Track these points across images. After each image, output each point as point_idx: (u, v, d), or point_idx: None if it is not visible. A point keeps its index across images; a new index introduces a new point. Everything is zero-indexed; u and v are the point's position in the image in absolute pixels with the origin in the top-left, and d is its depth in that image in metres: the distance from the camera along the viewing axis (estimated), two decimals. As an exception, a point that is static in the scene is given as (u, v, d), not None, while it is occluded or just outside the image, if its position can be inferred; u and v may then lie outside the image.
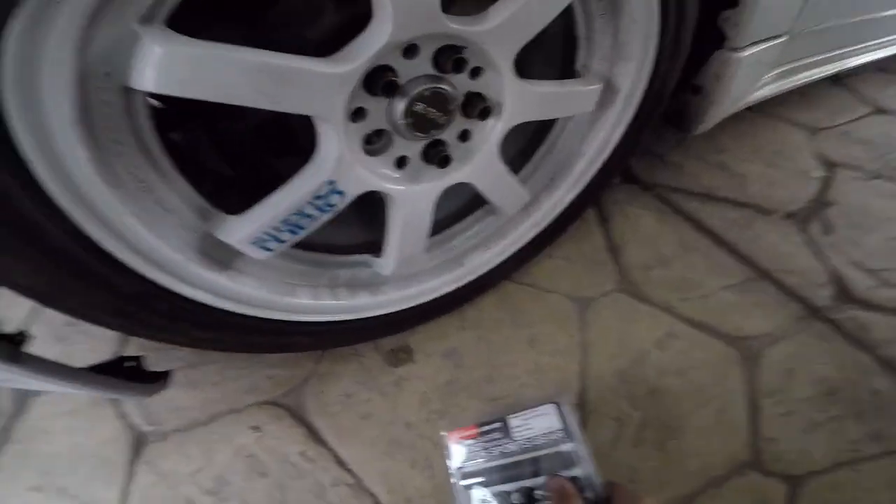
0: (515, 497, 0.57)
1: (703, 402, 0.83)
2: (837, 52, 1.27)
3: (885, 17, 1.31)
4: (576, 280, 0.99)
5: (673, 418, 0.81)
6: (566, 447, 0.60)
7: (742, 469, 0.77)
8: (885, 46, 1.53)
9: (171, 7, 0.41)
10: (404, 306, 0.79)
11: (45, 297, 0.47)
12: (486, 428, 0.65)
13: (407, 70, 0.54)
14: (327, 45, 0.50)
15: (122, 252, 0.47)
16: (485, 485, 0.59)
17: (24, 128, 0.37)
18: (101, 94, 0.41)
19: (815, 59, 1.18)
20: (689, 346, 0.90)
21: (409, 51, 0.53)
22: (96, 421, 0.81)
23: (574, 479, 0.56)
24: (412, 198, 0.65)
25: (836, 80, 1.66)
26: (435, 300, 0.83)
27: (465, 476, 0.60)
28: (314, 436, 0.79)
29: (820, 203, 1.19)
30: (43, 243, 0.43)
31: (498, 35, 0.56)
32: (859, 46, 1.37)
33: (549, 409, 0.63)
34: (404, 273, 0.76)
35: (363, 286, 0.74)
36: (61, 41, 0.36)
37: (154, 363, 0.66)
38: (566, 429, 0.62)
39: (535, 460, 0.60)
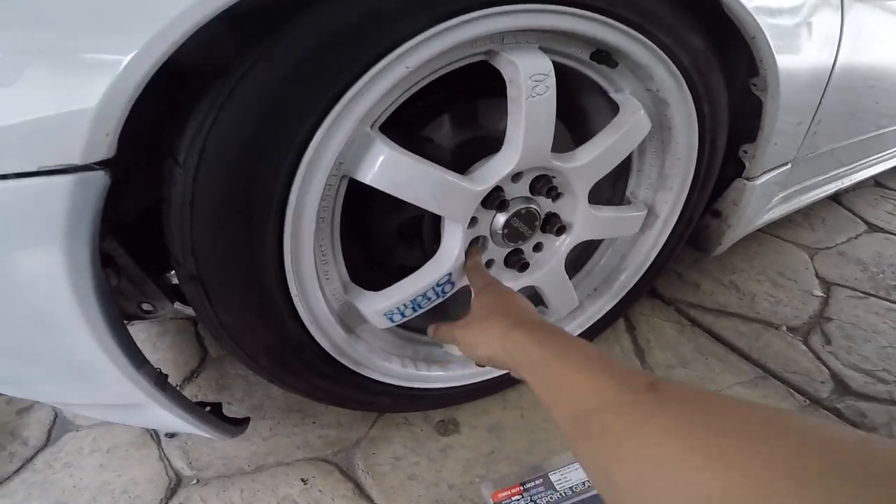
0: None
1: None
2: (835, 172, 1.50)
3: (878, 135, 1.55)
4: (608, 375, 1.17)
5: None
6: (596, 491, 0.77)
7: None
8: (879, 162, 1.82)
9: (384, 117, 0.62)
10: (465, 382, 0.95)
11: (232, 333, 0.64)
12: (530, 485, 0.83)
13: (511, 191, 0.75)
14: (456, 160, 0.73)
15: (301, 305, 0.65)
16: None
17: (294, 199, 0.57)
18: (330, 179, 0.60)
19: (815, 180, 1.41)
20: None
21: (517, 176, 0.75)
22: (134, 461, 0.89)
23: None
24: None
25: (835, 197, 1.98)
26: (488, 381, 0.98)
27: None
28: (360, 491, 0.87)
29: (820, 318, 1.42)
30: (260, 291, 0.61)
31: (585, 170, 0.78)
32: (855, 165, 1.61)
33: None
34: (469, 356, 0.93)
35: (436, 362, 0.91)
36: (343, 136, 0.57)
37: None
38: None
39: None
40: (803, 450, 0.28)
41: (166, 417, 0.65)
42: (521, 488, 0.87)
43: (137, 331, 1.14)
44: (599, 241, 1.02)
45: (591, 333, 1.08)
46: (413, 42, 0.55)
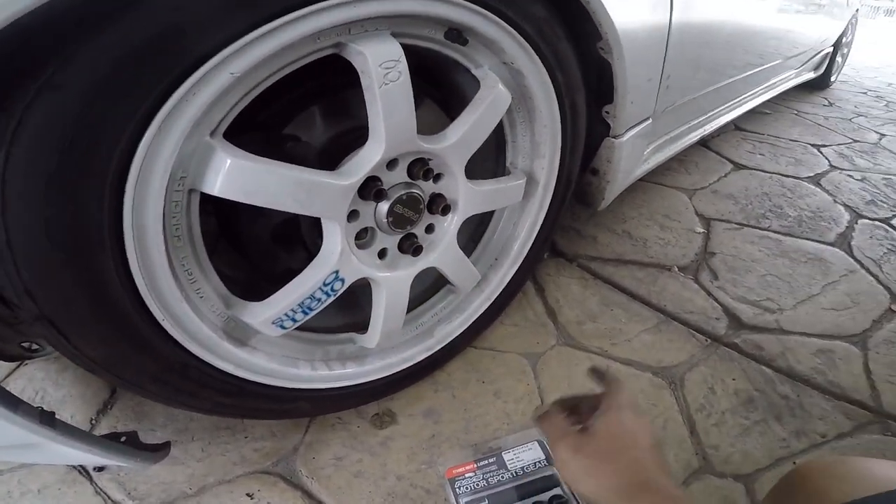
0: None
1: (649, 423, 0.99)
2: (697, 120, 1.56)
3: (730, 83, 1.62)
4: (525, 340, 1.14)
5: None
6: (549, 472, 0.80)
7: (698, 474, 0.89)
8: (735, 108, 1.91)
9: (227, 123, 0.55)
10: (386, 374, 0.89)
11: (106, 366, 0.56)
12: (483, 462, 0.80)
13: (389, 179, 0.70)
14: (325, 155, 0.67)
15: (172, 327, 0.58)
16: None
17: (129, 224, 0.49)
18: (174, 195, 0.54)
19: (680, 130, 1.45)
20: (624, 379, 1.05)
21: (391, 164, 0.69)
22: (69, 499, 0.80)
23: (556, 497, 0.73)
24: (392, 282, 0.77)
25: (703, 143, 2.07)
26: (411, 367, 0.93)
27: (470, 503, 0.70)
28: (310, 497, 0.82)
29: (705, 254, 1.46)
30: (119, 321, 0.53)
31: (456, 148, 0.74)
32: (714, 112, 1.68)
33: (534, 444, 0.85)
34: (385, 346, 0.86)
35: (351, 358, 0.85)
36: (170, 152, 0.49)
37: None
38: (548, 458, 0.83)
39: (526, 484, 0.79)
40: None
41: (76, 453, 0.57)
42: (475, 465, 0.85)
43: (34, 370, 1.02)
44: (491, 214, 0.99)
45: (501, 301, 1.06)
46: (232, 48, 0.49)
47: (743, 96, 1.96)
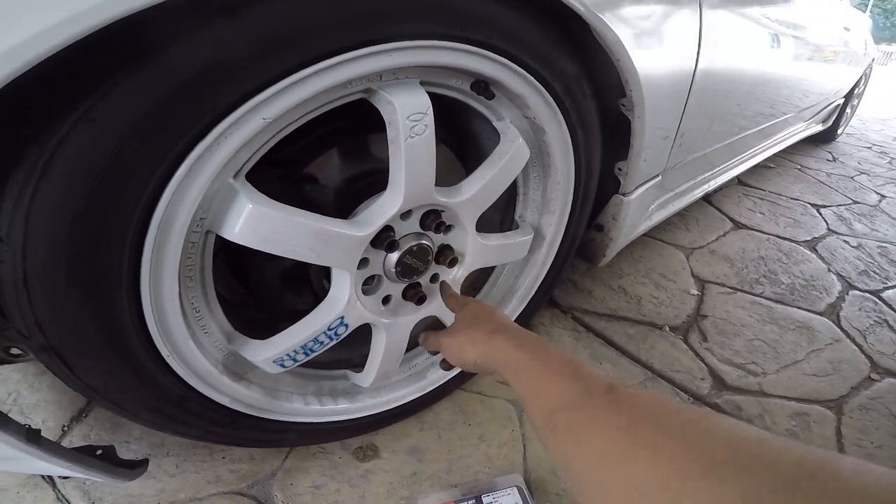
0: None
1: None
2: (704, 176, 1.58)
3: (741, 137, 1.64)
4: (513, 387, 1.17)
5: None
6: None
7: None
8: (742, 162, 1.94)
9: (250, 165, 0.56)
10: (376, 411, 0.90)
11: (104, 394, 0.57)
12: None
13: (402, 229, 0.71)
14: (340, 199, 0.68)
15: (176, 363, 0.59)
16: None
17: (147, 263, 0.50)
18: (192, 236, 0.54)
19: (687, 185, 1.48)
20: None
21: (405, 214, 0.70)
22: (27, 503, 0.79)
23: None
24: (393, 328, 0.78)
25: (706, 198, 2.10)
26: (401, 406, 0.94)
27: None
28: None
29: (697, 316, 1.50)
30: (125, 356, 0.54)
31: (470, 203, 0.75)
32: (721, 167, 1.70)
33: (514, 490, 0.86)
34: (378, 384, 0.87)
35: (343, 394, 0.86)
36: (197, 193, 0.50)
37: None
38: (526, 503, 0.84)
39: None
40: (712, 444, 0.34)
41: (50, 467, 0.57)
42: None
43: (10, 370, 1.01)
44: (493, 266, 1.01)
45: (494, 349, 1.07)
46: (269, 92, 0.49)
47: (752, 150, 1.98)
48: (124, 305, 0.50)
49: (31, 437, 0.54)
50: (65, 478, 0.84)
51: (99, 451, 0.64)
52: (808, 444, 1.13)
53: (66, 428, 0.93)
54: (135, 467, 0.68)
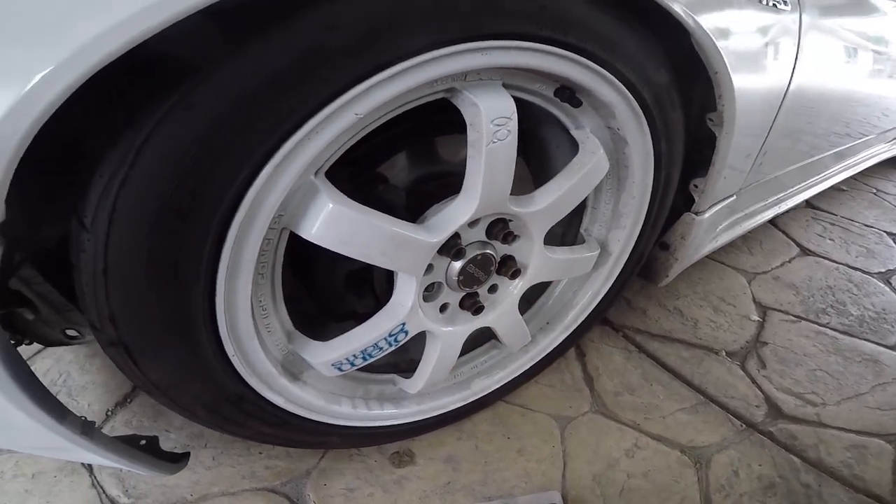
0: None
1: (665, 498, 0.97)
2: (775, 197, 1.51)
3: (817, 160, 1.56)
4: (558, 402, 1.13)
5: (642, 512, 0.93)
6: None
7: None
8: (814, 185, 1.85)
9: (331, 162, 0.54)
10: (419, 418, 0.89)
11: (165, 391, 0.56)
12: None
13: (468, 236, 0.69)
14: (410, 204, 0.66)
15: (239, 363, 0.58)
16: None
17: (226, 258, 0.49)
18: (269, 233, 0.53)
19: (757, 206, 1.41)
20: (652, 454, 1.05)
21: (474, 222, 0.68)
22: (64, 488, 0.80)
23: None
24: (448, 336, 0.77)
25: (771, 221, 2.01)
26: (443, 414, 0.93)
27: None
28: None
29: (756, 342, 1.43)
30: (192, 353, 0.53)
31: (543, 214, 0.72)
32: (793, 189, 1.62)
33: None
34: (425, 391, 0.86)
35: (389, 399, 0.85)
36: (283, 188, 0.49)
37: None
38: None
39: None
40: None
41: (97, 458, 0.57)
42: None
43: (63, 351, 1.03)
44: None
45: (543, 364, 1.05)
46: (366, 85, 0.47)
47: (828, 172, 1.89)
48: (199, 301, 0.50)
49: (87, 429, 0.55)
50: (102, 464, 0.86)
51: (143, 442, 0.65)
52: (861, 476, 1.06)
53: (109, 413, 0.95)
54: (176, 461, 0.69)
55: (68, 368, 1.01)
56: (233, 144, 0.44)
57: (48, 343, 0.68)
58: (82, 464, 0.85)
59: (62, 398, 0.85)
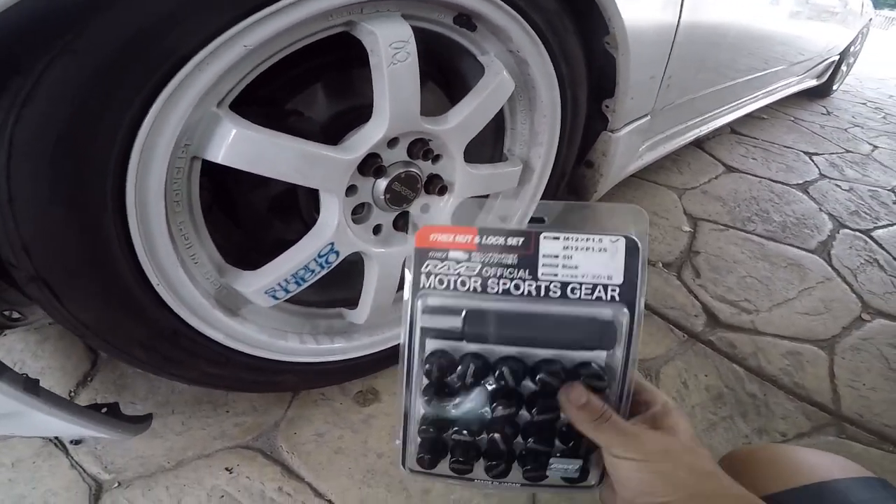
0: (507, 371, 0.37)
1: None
2: (694, 121, 1.59)
3: (731, 86, 1.64)
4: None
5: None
6: (608, 312, 0.38)
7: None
8: (733, 111, 1.95)
9: (233, 94, 0.56)
10: (373, 351, 0.90)
11: (96, 331, 0.57)
12: (494, 241, 0.39)
13: (389, 157, 0.71)
14: (327, 131, 0.67)
15: (166, 292, 0.59)
16: (461, 337, 0.38)
17: (132, 186, 0.50)
18: (177, 162, 0.55)
19: (677, 129, 1.48)
20: None
21: (392, 142, 0.71)
22: (45, 472, 0.80)
23: (600, 370, 0.38)
24: (385, 259, 0.79)
25: (698, 144, 2.11)
26: (397, 346, 0.95)
27: (432, 311, 0.38)
28: (290, 472, 0.83)
29: (690, 252, 1.51)
30: (114, 283, 0.54)
31: (457, 131, 0.76)
32: (712, 114, 1.71)
33: (619, 244, 0.39)
34: (374, 322, 0.88)
35: (339, 333, 0.87)
36: (178, 119, 0.51)
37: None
38: (626, 281, 0.38)
39: (557, 320, 0.37)
40: None
41: (57, 423, 0.57)
42: (478, 240, 0.42)
43: (12, 340, 1.01)
44: (486, 198, 1.01)
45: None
46: (249, 20, 0.50)
47: (743, 100, 1.98)
48: (111, 228, 0.50)
49: (29, 386, 0.54)
50: (76, 443, 0.85)
51: (104, 409, 0.65)
52: (802, 384, 1.13)
53: (72, 393, 0.94)
54: (139, 422, 0.69)
55: (21, 357, 0.99)
56: (121, 82, 0.46)
57: (-8, 327, 0.67)
58: (57, 445, 0.85)
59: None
